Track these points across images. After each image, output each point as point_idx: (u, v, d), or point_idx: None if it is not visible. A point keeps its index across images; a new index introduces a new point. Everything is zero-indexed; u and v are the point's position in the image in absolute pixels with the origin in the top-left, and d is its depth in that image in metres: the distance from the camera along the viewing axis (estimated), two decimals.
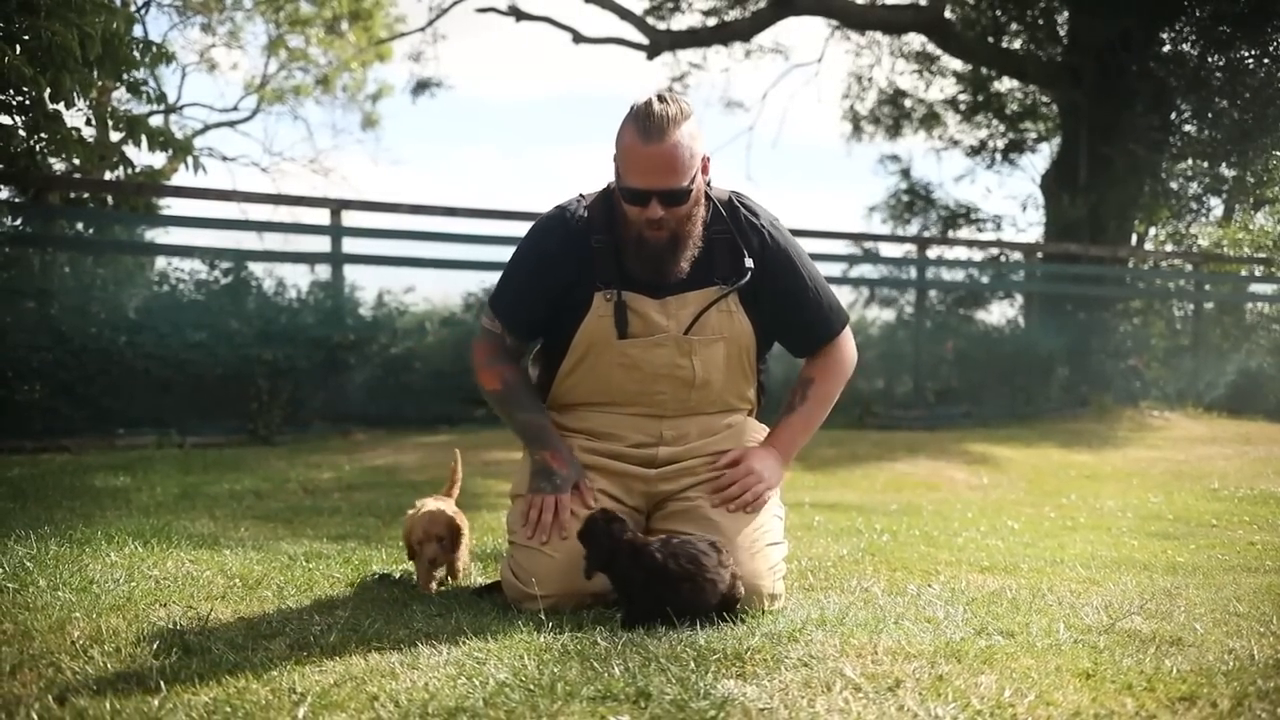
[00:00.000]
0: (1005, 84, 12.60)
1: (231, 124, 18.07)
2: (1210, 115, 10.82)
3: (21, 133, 5.57)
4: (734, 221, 2.33)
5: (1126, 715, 1.50)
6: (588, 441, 2.37)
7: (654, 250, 2.24)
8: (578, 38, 12.96)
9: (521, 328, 2.41)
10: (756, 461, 2.34)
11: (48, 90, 5.00)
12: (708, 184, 2.33)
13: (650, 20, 12.85)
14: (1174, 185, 11.23)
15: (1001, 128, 12.85)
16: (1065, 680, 1.64)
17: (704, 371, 2.34)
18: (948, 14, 11.66)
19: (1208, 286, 10.98)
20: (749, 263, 2.30)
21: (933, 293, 10.41)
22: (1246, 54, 10.55)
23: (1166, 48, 10.85)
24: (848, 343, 2.50)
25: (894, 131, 13.70)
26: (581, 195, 2.40)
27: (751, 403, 2.50)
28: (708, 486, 2.32)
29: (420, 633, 1.95)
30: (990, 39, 11.80)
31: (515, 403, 2.38)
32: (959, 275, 10.72)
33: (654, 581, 2.02)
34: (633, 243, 2.25)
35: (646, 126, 2.17)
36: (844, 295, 10.79)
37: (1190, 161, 11.11)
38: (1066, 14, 11.27)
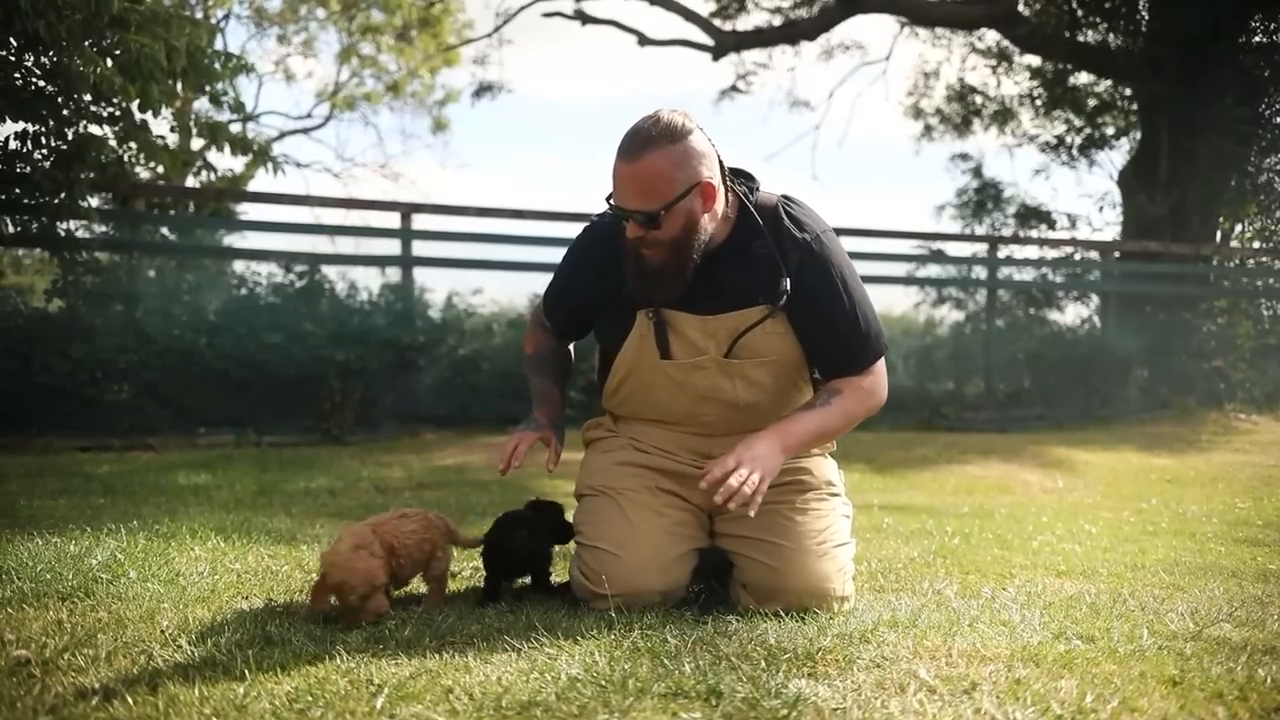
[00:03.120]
0: (1082, 78, 12.26)
1: (305, 131, 18.61)
2: None
3: (112, 142, 5.81)
4: (775, 236, 2.22)
5: None
6: (643, 443, 2.38)
7: (649, 269, 2.18)
8: (643, 40, 13.00)
9: (558, 322, 2.50)
10: (745, 452, 2.08)
11: (136, 100, 5.21)
12: (752, 199, 2.25)
13: (715, 21, 12.83)
14: (1263, 179, 10.81)
15: (1078, 123, 12.51)
16: (1150, 687, 1.59)
17: (748, 394, 2.28)
18: (1021, 8, 11.39)
19: None
20: (785, 284, 2.19)
21: (1003, 292, 10.19)
22: None
23: (1258, 38, 10.45)
24: (878, 376, 2.32)
25: (963, 129, 13.45)
26: None
27: None
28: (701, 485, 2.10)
29: (492, 628, 1.98)
30: (1066, 32, 11.49)
31: (535, 368, 2.50)
32: (1031, 275, 10.46)
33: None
34: (631, 258, 2.20)
35: (626, 143, 2.10)
36: (911, 295, 10.62)
37: None
38: (1147, 5, 10.93)
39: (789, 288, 2.19)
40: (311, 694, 1.54)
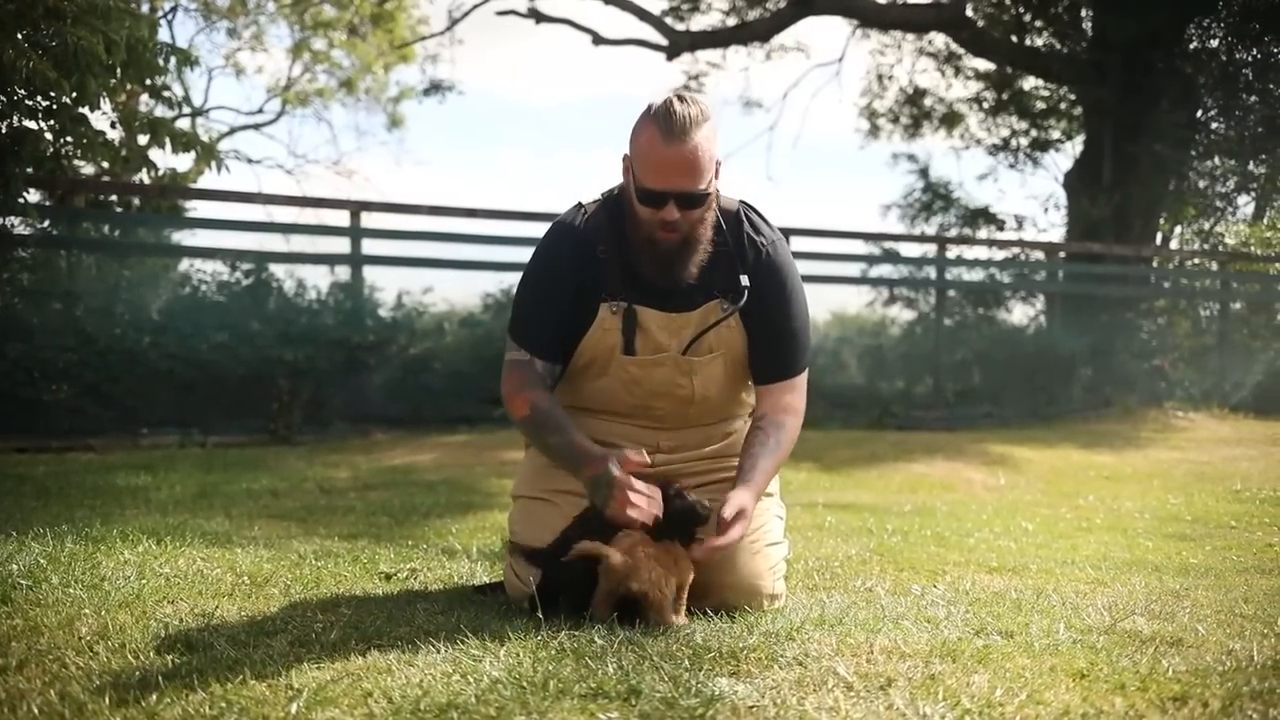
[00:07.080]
0: (1029, 82, 12.50)
1: (256, 126, 18.29)
2: (1239, 112, 10.70)
3: (48, 136, 5.67)
4: (735, 235, 2.29)
5: (1116, 715, 1.49)
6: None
7: (665, 252, 2.21)
8: (597, 39, 13.01)
9: (547, 349, 2.30)
10: (744, 522, 2.13)
11: (73, 94, 5.09)
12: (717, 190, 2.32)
13: (669, 21, 12.87)
14: (1201, 183, 11.11)
15: (1024, 126, 12.75)
16: (1058, 680, 1.64)
17: (703, 388, 2.31)
18: (969, 12, 11.58)
19: (1235, 285, 10.83)
20: (745, 280, 2.26)
21: (952, 292, 10.35)
22: (1277, 49, 10.41)
23: (1194, 44, 10.74)
24: (804, 387, 2.38)
25: (913, 131, 13.63)
26: (580, 204, 2.37)
27: (749, 405, 2.48)
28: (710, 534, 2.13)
29: (421, 630, 1.97)
30: (1013, 37, 11.71)
31: (545, 427, 2.24)
32: (979, 275, 10.64)
33: None
34: (644, 244, 2.22)
35: (669, 127, 2.12)
36: (863, 295, 10.75)
37: (1217, 159, 11.00)
38: (1091, 11, 11.17)
39: (748, 284, 2.25)
40: (227, 699, 1.52)
